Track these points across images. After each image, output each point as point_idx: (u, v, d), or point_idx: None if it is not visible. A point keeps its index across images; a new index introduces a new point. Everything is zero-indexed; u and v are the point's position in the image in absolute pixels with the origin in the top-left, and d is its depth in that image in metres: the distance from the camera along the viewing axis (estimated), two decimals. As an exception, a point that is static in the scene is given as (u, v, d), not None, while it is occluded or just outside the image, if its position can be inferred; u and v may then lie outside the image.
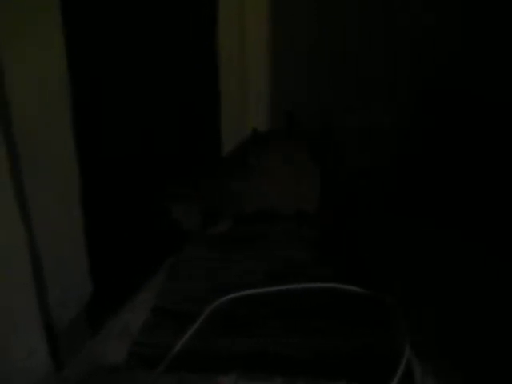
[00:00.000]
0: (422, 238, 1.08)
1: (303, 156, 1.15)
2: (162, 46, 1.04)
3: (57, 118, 0.78)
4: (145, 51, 0.98)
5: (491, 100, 1.19)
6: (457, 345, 0.78)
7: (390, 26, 1.25)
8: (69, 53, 0.77)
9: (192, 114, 1.19)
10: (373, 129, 1.25)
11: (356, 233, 1.14)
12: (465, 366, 0.73)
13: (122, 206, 0.95)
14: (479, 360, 0.74)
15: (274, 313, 0.86)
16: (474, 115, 1.21)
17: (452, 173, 1.21)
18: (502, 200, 1.09)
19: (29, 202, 0.71)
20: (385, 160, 1.23)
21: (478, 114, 1.20)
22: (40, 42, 0.72)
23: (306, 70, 1.33)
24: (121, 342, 0.79)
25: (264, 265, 1.01)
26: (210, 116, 1.29)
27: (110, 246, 0.92)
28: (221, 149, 1.31)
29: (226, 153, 1.22)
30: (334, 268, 0.99)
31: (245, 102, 1.36)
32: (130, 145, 0.97)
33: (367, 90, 1.30)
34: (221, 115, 1.31)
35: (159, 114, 1.06)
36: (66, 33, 0.76)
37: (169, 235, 1.05)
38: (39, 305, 0.73)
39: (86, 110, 0.83)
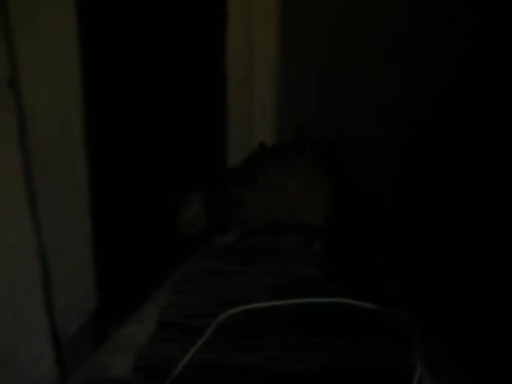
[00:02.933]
0: (427, 251, 1.08)
1: (310, 169, 1.15)
2: (171, 60, 1.04)
3: (69, 128, 0.78)
4: (154, 65, 0.99)
5: (496, 115, 1.20)
6: (470, 361, 0.77)
7: (397, 39, 1.26)
8: (83, 64, 0.77)
9: (199, 127, 1.19)
10: (377, 141, 1.26)
11: (363, 246, 1.13)
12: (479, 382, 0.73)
13: (128, 218, 0.95)
14: (493, 376, 0.74)
15: (282, 327, 0.85)
16: (475, 124, 1.22)
17: (455, 183, 1.21)
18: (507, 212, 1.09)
19: (39, 214, 0.71)
20: (389, 172, 1.23)
21: (479, 124, 1.21)
22: (54, 52, 0.72)
23: (313, 84, 1.33)
24: (126, 354, 0.78)
25: (271, 278, 1.01)
26: (216, 129, 1.29)
27: (116, 258, 0.91)
28: (227, 161, 1.31)
29: (233, 166, 1.22)
30: (343, 282, 0.98)
31: (251, 115, 1.36)
32: (138, 157, 0.97)
33: (372, 104, 1.31)
34: (227, 128, 1.31)
35: (167, 126, 1.06)
36: (81, 54, 0.76)
37: (175, 247, 1.04)
38: (47, 315, 0.72)
39: (98, 121, 0.83)
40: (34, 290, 0.70)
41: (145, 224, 0.99)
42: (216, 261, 1.09)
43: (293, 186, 1.13)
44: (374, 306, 0.89)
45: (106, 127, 0.86)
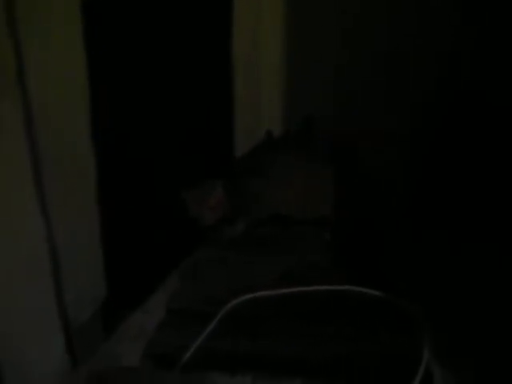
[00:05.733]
0: (438, 243, 1.07)
1: (318, 160, 1.15)
2: (176, 50, 1.04)
3: (76, 122, 0.79)
4: (160, 56, 0.99)
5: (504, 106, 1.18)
6: (478, 349, 0.77)
7: (405, 33, 1.24)
8: (88, 59, 0.77)
9: (205, 117, 1.19)
10: (388, 133, 1.24)
11: (372, 237, 1.13)
12: (487, 371, 0.73)
13: (136, 208, 0.95)
14: (501, 363, 0.74)
15: (291, 315, 0.85)
16: (486, 119, 1.20)
17: (466, 177, 1.20)
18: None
19: (48, 205, 0.72)
20: (400, 164, 1.22)
21: (491, 119, 1.20)
22: (60, 47, 0.73)
23: (322, 73, 1.32)
24: (136, 342, 0.79)
25: (280, 267, 1.01)
26: (223, 119, 1.29)
27: (125, 247, 0.92)
28: (234, 152, 1.31)
29: (241, 155, 1.22)
30: (350, 271, 0.99)
31: (258, 104, 1.36)
32: (145, 148, 0.97)
33: (383, 94, 1.29)
34: (234, 118, 1.31)
35: (173, 116, 1.06)
36: (87, 42, 0.77)
37: (184, 236, 1.05)
38: (57, 305, 0.73)
39: (104, 114, 0.83)
40: (45, 279, 0.71)
41: (153, 213, 0.99)
42: (224, 250, 1.09)
43: (299, 178, 1.12)
44: (383, 295, 0.89)
45: (113, 119, 0.87)
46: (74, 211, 0.79)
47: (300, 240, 1.15)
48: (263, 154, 1.18)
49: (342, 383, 0.71)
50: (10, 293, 0.65)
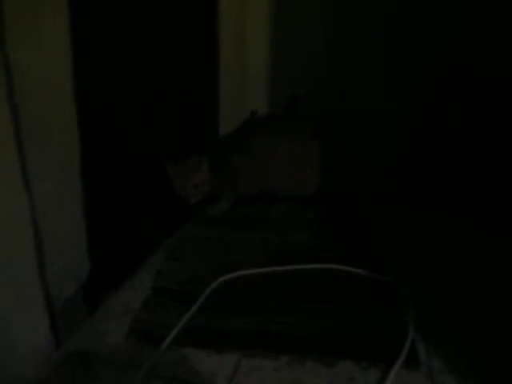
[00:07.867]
0: (421, 222, 1.09)
1: (304, 139, 1.15)
2: (162, 29, 1.02)
3: (60, 90, 0.76)
4: (146, 33, 0.96)
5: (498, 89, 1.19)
6: (462, 326, 0.79)
7: (393, 14, 1.25)
8: (74, 25, 0.75)
9: (191, 95, 1.17)
10: (377, 114, 1.25)
11: (358, 216, 1.14)
12: (472, 346, 0.74)
13: (121, 185, 0.94)
14: (485, 341, 0.76)
15: (277, 293, 0.86)
16: (476, 99, 1.22)
17: (453, 156, 1.22)
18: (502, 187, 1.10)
19: (31, 181, 0.69)
20: (386, 145, 1.23)
21: (480, 100, 1.21)
22: (43, 14, 0.70)
23: (309, 54, 1.31)
24: (121, 320, 0.79)
25: (264, 245, 1.01)
26: (209, 97, 1.27)
27: (109, 225, 0.91)
28: (219, 129, 1.29)
29: (226, 133, 1.20)
30: (336, 250, 0.99)
31: (244, 84, 1.34)
32: (130, 125, 0.95)
33: (370, 76, 1.29)
34: (220, 96, 1.29)
35: (160, 94, 1.04)
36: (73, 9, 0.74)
37: (169, 214, 1.04)
38: (40, 282, 0.71)
39: (88, 82, 0.81)
40: (28, 256, 0.70)
41: (138, 190, 0.98)
42: (210, 228, 1.09)
43: (285, 155, 1.12)
44: (369, 273, 0.90)
45: (98, 88, 0.84)
46: (56, 188, 0.77)
47: (284, 218, 1.15)
48: (248, 133, 1.17)
49: (329, 359, 0.71)
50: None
